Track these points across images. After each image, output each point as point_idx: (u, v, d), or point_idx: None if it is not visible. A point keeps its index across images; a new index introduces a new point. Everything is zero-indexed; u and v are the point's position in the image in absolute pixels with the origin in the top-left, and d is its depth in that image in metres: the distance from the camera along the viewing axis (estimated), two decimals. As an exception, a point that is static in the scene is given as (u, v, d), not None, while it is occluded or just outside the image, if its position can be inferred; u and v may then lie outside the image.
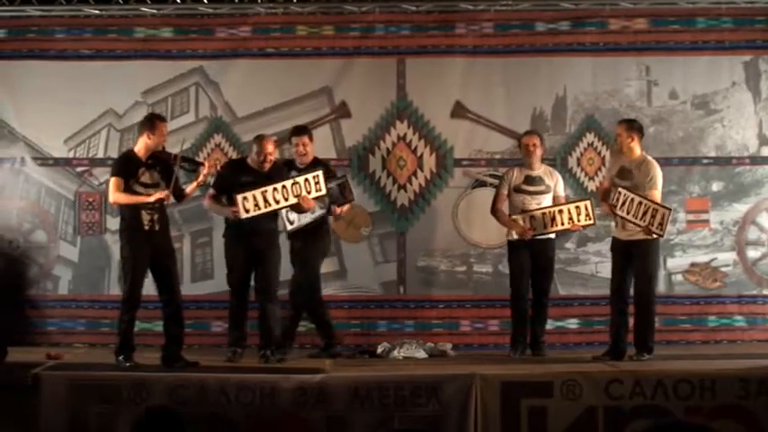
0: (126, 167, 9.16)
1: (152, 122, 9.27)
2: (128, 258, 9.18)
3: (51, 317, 11.12)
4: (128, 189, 9.07)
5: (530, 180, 10.09)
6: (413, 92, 11.32)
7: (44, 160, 11.29)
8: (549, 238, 10.10)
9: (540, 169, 10.16)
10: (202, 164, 9.53)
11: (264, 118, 11.22)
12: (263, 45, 11.35)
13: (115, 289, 10.89)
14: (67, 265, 11.17)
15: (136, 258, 9.11)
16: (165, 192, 9.12)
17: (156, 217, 9.13)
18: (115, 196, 9.14)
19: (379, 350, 10.07)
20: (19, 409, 8.24)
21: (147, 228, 9.08)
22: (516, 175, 10.13)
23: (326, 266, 10.63)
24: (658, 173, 9.62)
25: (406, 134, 11.29)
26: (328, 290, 10.67)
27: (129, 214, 9.13)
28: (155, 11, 11.28)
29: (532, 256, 10.03)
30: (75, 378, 8.44)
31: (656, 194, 9.51)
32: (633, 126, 9.76)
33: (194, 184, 9.43)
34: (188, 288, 11.11)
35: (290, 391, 8.21)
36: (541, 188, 10.10)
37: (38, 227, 11.34)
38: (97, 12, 11.28)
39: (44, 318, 11.14)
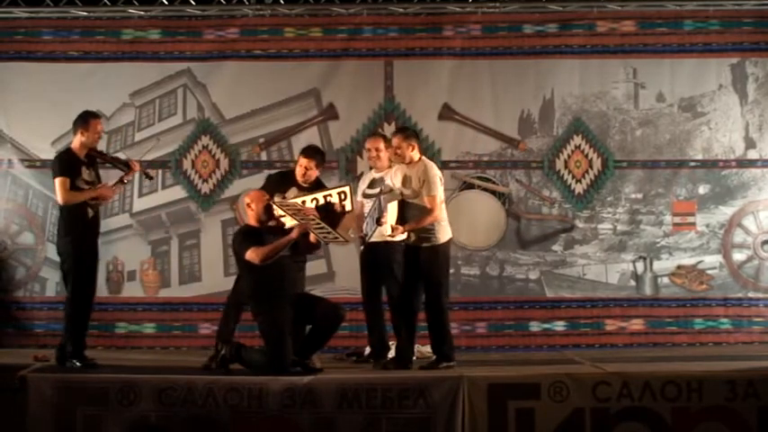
0: (69, 166, 9.08)
1: (86, 120, 9.20)
2: (75, 256, 9.10)
3: (38, 319, 11.12)
4: (73, 187, 9.03)
5: (371, 183, 9.69)
6: (400, 94, 11.34)
7: (32, 162, 11.28)
8: (382, 241, 9.35)
9: (383, 171, 9.53)
10: (129, 166, 9.43)
11: (252, 120, 11.23)
12: (251, 47, 11.36)
13: (102, 290, 10.90)
14: (55, 266, 11.11)
15: (85, 254, 9.10)
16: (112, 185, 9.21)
17: (96, 213, 9.20)
18: (66, 196, 9.00)
19: (367, 352, 10.06)
20: (5, 411, 8.21)
21: (90, 223, 9.12)
22: (363, 181, 9.83)
23: (314, 269, 10.65)
24: (432, 174, 9.04)
25: (393, 136, 11.30)
26: (316, 292, 10.66)
27: (76, 212, 9.07)
28: (142, 12, 11.27)
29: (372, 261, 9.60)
30: (62, 380, 8.41)
31: (435, 199, 8.95)
32: (408, 134, 9.25)
33: (117, 183, 9.37)
34: (175, 290, 11.15)
35: (279, 393, 8.19)
36: (377, 190, 9.58)
37: (25, 229, 11.33)
38: (85, 13, 11.28)
39: (31, 319, 11.14)
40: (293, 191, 9.45)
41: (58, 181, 9.05)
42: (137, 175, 10.40)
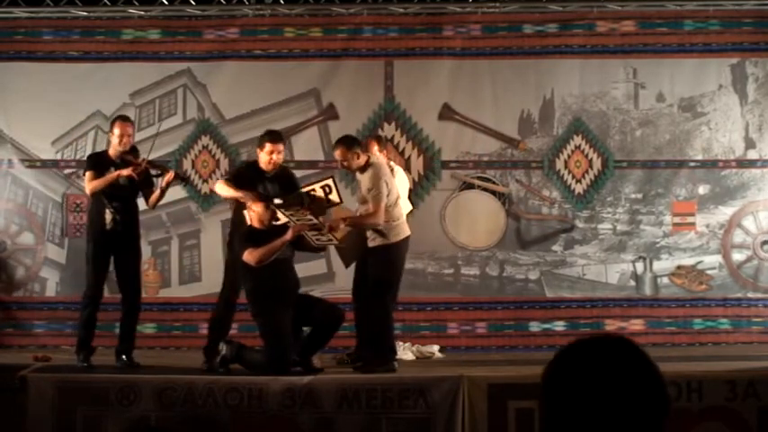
0: (96, 164, 9.18)
1: (112, 123, 9.36)
2: (89, 257, 9.21)
3: (39, 319, 11.11)
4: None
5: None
6: (400, 94, 11.34)
7: (32, 162, 11.28)
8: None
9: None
10: (168, 170, 9.43)
11: (252, 120, 11.23)
12: (251, 47, 11.36)
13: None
14: (55, 267, 11.15)
15: (96, 257, 9.15)
16: (130, 170, 9.08)
17: (118, 218, 9.13)
18: (88, 187, 9.12)
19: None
20: (5, 411, 8.21)
21: (108, 228, 9.11)
22: None
23: (314, 269, 10.66)
24: (376, 179, 8.80)
25: (393, 136, 11.31)
26: (316, 292, 10.67)
27: (93, 215, 9.21)
28: (142, 12, 11.27)
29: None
30: (62, 380, 8.42)
31: (377, 204, 8.75)
32: (349, 144, 8.99)
33: (158, 192, 9.33)
34: (176, 290, 11.15)
35: (279, 393, 8.19)
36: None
37: (25, 229, 11.32)
38: (85, 13, 11.27)
39: (31, 320, 11.13)
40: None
41: (86, 176, 9.21)
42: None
